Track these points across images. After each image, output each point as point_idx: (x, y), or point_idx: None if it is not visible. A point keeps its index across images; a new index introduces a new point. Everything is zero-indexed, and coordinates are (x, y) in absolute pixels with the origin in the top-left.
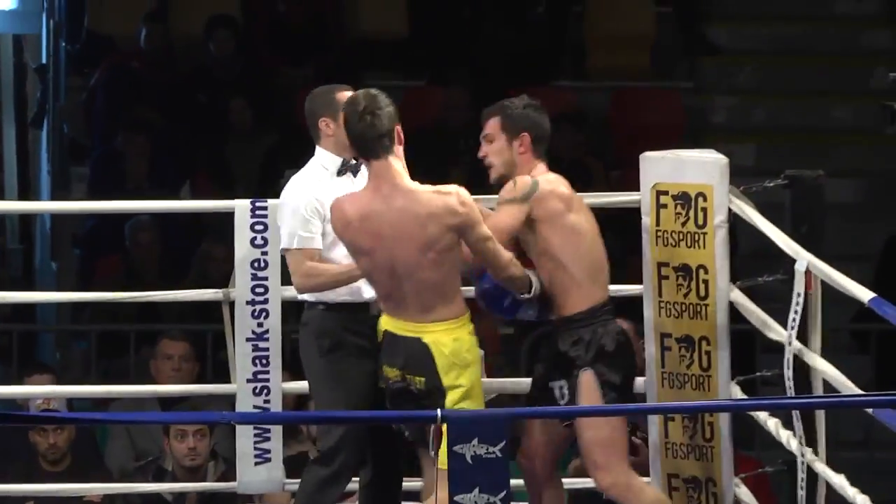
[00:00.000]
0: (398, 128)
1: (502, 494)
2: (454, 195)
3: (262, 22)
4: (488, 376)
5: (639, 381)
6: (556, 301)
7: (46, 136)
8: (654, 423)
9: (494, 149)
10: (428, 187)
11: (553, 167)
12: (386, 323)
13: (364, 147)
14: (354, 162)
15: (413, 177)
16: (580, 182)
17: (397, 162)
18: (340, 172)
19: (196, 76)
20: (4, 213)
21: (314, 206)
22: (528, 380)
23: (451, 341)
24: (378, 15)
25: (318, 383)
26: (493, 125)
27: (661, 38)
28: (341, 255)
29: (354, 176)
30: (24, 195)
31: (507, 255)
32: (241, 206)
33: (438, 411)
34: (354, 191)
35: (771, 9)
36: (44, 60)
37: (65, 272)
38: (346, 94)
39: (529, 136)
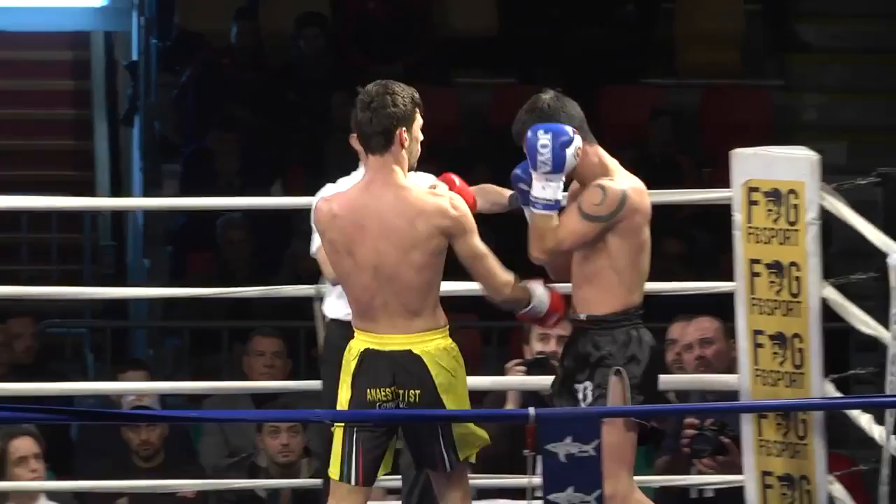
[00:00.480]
0: (408, 132)
1: (597, 493)
2: (447, 198)
3: (351, 19)
4: None
5: (731, 378)
6: (591, 298)
7: (138, 134)
8: (748, 420)
9: None
10: (423, 189)
11: (644, 164)
12: (364, 342)
13: (362, 140)
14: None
15: (502, 175)
16: (671, 179)
17: (397, 162)
18: None
19: (285, 74)
20: (97, 210)
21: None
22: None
23: (441, 351)
24: (467, 12)
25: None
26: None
27: (750, 35)
28: None
29: None
30: (116, 192)
31: (503, 276)
32: None
33: (531, 410)
34: None
35: (860, 6)
36: (135, 57)
37: (157, 269)
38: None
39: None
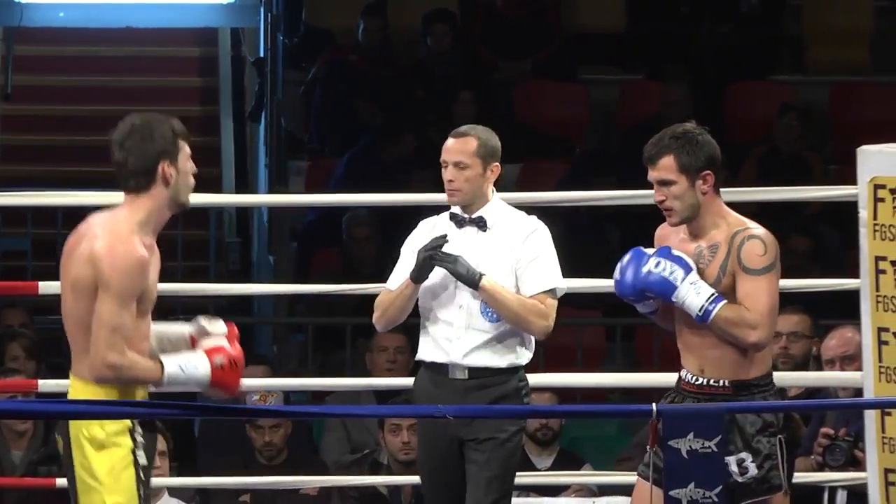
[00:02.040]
0: (162, 168)
1: (718, 489)
2: (103, 242)
3: (480, 16)
4: None
5: (856, 375)
6: (733, 359)
7: (264, 130)
8: (871, 417)
9: (676, 191)
10: (121, 228)
11: (772, 161)
12: None
13: (118, 176)
14: (475, 216)
15: (630, 175)
16: (799, 176)
17: (143, 204)
18: (458, 224)
19: (414, 71)
20: (223, 206)
21: (410, 250)
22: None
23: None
24: (596, 9)
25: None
26: (667, 165)
27: (879, 31)
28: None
29: (481, 230)
30: (241, 188)
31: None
32: None
33: (654, 405)
34: (470, 246)
35: None
36: (262, 54)
37: (282, 265)
38: (447, 143)
39: (711, 175)
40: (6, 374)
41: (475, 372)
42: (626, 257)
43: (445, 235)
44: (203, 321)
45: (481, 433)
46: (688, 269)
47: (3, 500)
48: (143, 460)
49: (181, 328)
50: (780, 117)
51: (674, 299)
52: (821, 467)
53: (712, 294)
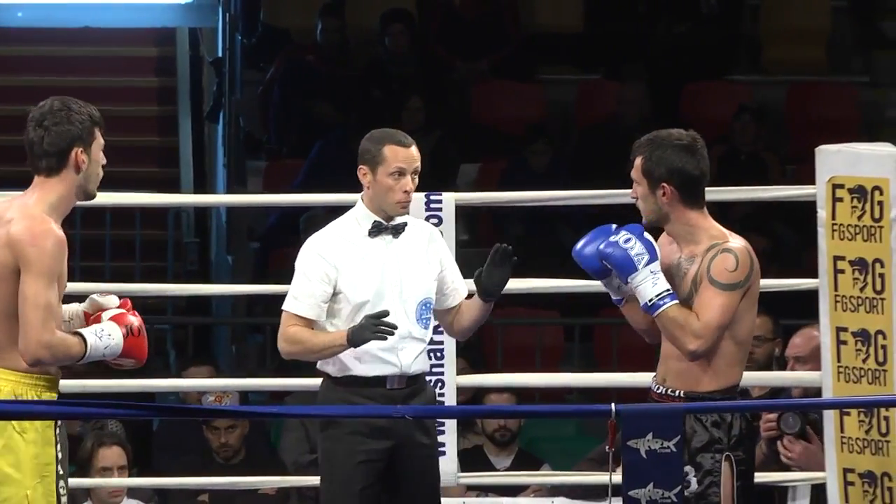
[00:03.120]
0: (75, 153)
1: (677, 489)
2: (20, 225)
3: (437, 16)
4: None
5: (814, 375)
6: (697, 372)
7: (222, 130)
8: (830, 417)
9: (640, 193)
10: (34, 210)
11: (730, 161)
12: None
13: (31, 160)
14: (394, 223)
15: (589, 171)
16: (756, 176)
17: (54, 188)
18: (373, 233)
19: (371, 71)
20: (181, 205)
21: (324, 271)
22: None
23: (8, 394)
24: (553, 9)
25: (320, 456)
26: (637, 166)
27: (836, 31)
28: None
29: (395, 237)
30: (200, 188)
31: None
32: (415, 199)
33: (613, 406)
34: (389, 255)
35: None
36: (220, 54)
37: (240, 265)
38: (397, 150)
39: (670, 186)
40: None
41: (412, 380)
42: (594, 231)
43: (387, 312)
44: (96, 297)
45: (419, 439)
46: (654, 257)
47: None
48: (60, 453)
49: (75, 306)
50: (735, 118)
51: (629, 280)
52: (774, 455)
53: (667, 290)
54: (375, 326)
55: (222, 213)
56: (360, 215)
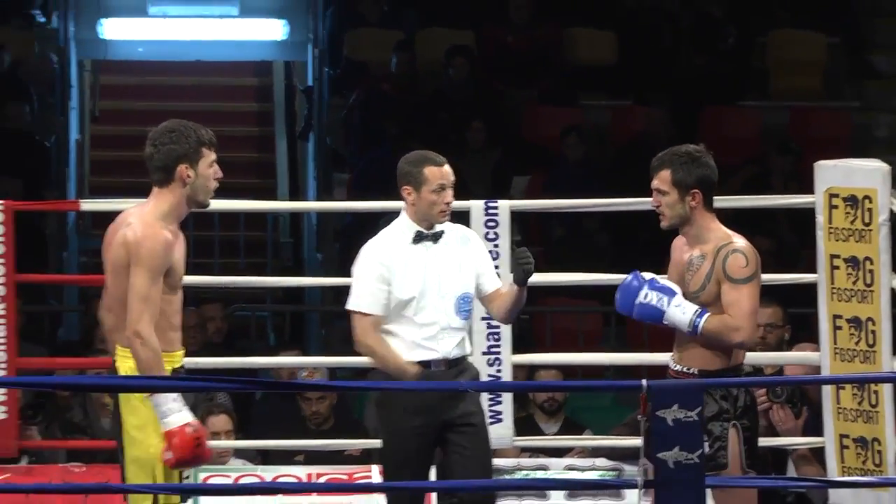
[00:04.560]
0: (181, 169)
1: (699, 452)
2: (133, 228)
3: (493, 51)
4: None
5: (815, 355)
6: (702, 356)
7: (312, 148)
8: (828, 391)
9: (668, 201)
10: (147, 216)
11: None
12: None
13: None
14: (433, 231)
15: (619, 186)
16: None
17: (164, 198)
18: (416, 240)
19: (437, 97)
20: (277, 211)
21: (380, 273)
22: None
23: (128, 369)
24: (591, 45)
25: (380, 431)
26: (664, 177)
27: (831, 64)
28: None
29: (434, 243)
30: (294, 197)
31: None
32: (476, 206)
33: (644, 381)
34: (430, 258)
35: None
36: (310, 83)
37: (328, 261)
38: (435, 170)
39: (699, 193)
40: (95, 354)
41: (454, 363)
42: (624, 282)
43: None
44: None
45: (465, 415)
46: (671, 294)
47: (95, 459)
48: None
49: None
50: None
51: (665, 322)
52: (769, 424)
53: (696, 310)
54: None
55: (313, 217)
56: (404, 226)
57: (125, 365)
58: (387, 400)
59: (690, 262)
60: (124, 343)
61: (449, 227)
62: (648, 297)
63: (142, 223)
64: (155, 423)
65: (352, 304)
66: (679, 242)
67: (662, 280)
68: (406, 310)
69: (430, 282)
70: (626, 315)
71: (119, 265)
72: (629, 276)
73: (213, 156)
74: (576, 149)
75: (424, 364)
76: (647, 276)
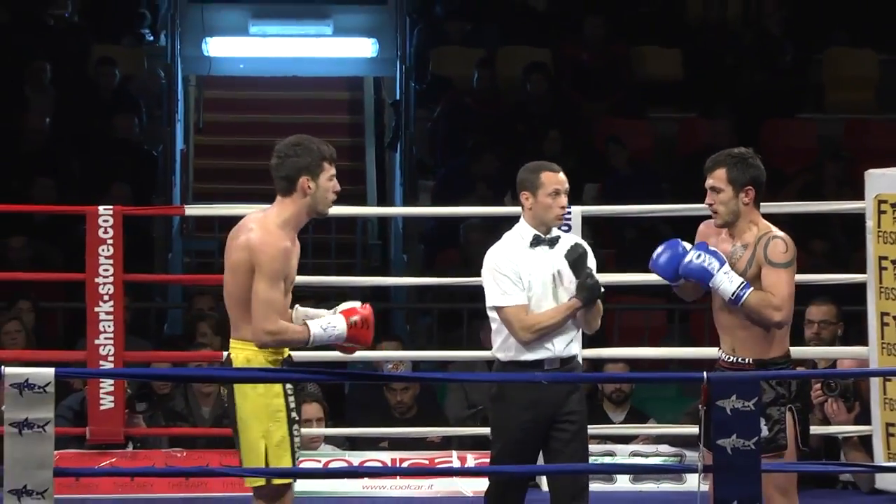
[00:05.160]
0: (302, 181)
1: (755, 439)
2: (256, 234)
3: (568, 67)
4: None
5: (863, 349)
6: (759, 342)
7: (399, 157)
8: (875, 383)
9: (722, 199)
10: (270, 223)
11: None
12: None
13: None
14: (550, 236)
15: (683, 192)
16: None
17: (286, 206)
18: (533, 244)
19: (516, 110)
20: (367, 216)
21: (513, 269)
22: None
23: (243, 360)
24: (659, 62)
25: (491, 426)
26: (719, 176)
27: (883, 79)
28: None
29: (550, 248)
30: (381, 203)
31: (266, 324)
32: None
33: (705, 373)
34: (546, 261)
35: None
36: (398, 97)
37: (413, 263)
38: (551, 175)
39: (753, 190)
40: (197, 348)
41: (565, 361)
42: (663, 246)
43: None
44: (341, 306)
45: (571, 410)
46: (722, 261)
47: (195, 445)
48: (291, 404)
49: (324, 312)
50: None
51: (711, 284)
52: (824, 416)
53: (742, 282)
54: (589, 281)
55: (399, 221)
56: (523, 231)
57: (239, 356)
58: (503, 394)
59: (734, 251)
60: (243, 336)
61: (564, 236)
62: (701, 257)
63: (264, 230)
64: (265, 409)
65: (496, 301)
66: (709, 230)
67: (713, 248)
68: (532, 307)
69: (546, 284)
70: (662, 276)
71: (239, 266)
72: (672, 242)
73: (332, 170)
74: (619, 156)
75: (538, 363)
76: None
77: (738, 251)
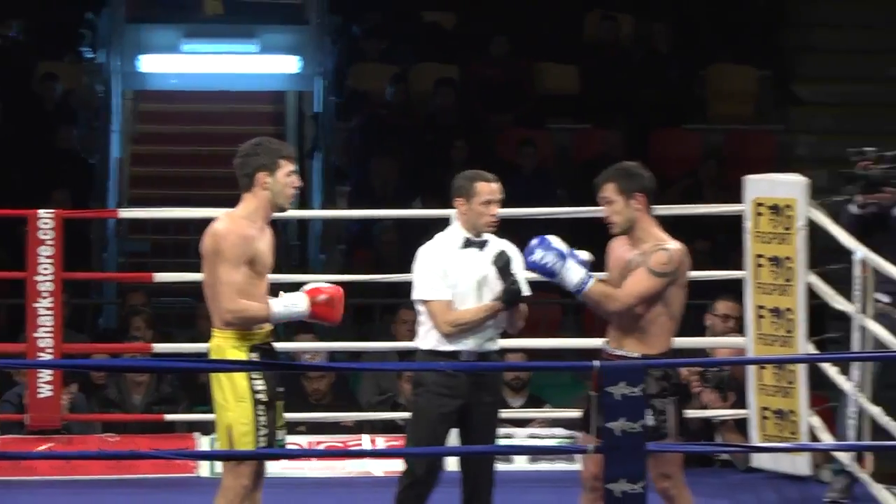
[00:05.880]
0: (260, 176)
1: (641, 423)
2: (220, 223)
3: (475, 82)
4: None
5: (741, 340)
6: (646, 340)
7: (319, 165)
8: (752, 370)
9: (615, 208)
10: (235, 215)
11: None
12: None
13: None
14: (479, 240)
15: (579, 197)
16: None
17: (248, 202)
18: (463, 246)
19: (426, 122)
20: (287, 219)
21: (442, 267)
22: None
23: (214, 346)
24: (558, 77)
25: (411, 407)
26: (609, 189)
27: (761, 93)
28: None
29: (480, 251)
30: (302, 206)
31: (229, 304)
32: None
33: (595, 362)
34: (474, 263)
35: (842, 72)
36: (317, 110)
37: (331, 262)
38: (485, 185)
39: (643, 197)
40: (131, 340)
41: (483, 356)
42: (534, 242)
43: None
44: (307, 285)
45: (484, 398)
46: (563, 258)
47: (127, 430)
48: (257, 386)
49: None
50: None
51: (556, 280)
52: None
53: (584, 275)
54: (512, 286)
55: (317, 223)
56: (455, 233)
57: (212, 343)
58: (422, 381)
59: (632, 260)
60: (217, 324)
61: (494, 240)
62: (544, 258)
63: (228, 219)
64: (231, 392)
65: (422, 294)
66: (617, 243)
67: (557, 244)
68: (458, 303)
69: (471, 283)
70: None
71: (207, 255)
72: (537, 240)
73: (290, 167)
74: (530, 159)
75: (455, 354)
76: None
77: (635, 259)
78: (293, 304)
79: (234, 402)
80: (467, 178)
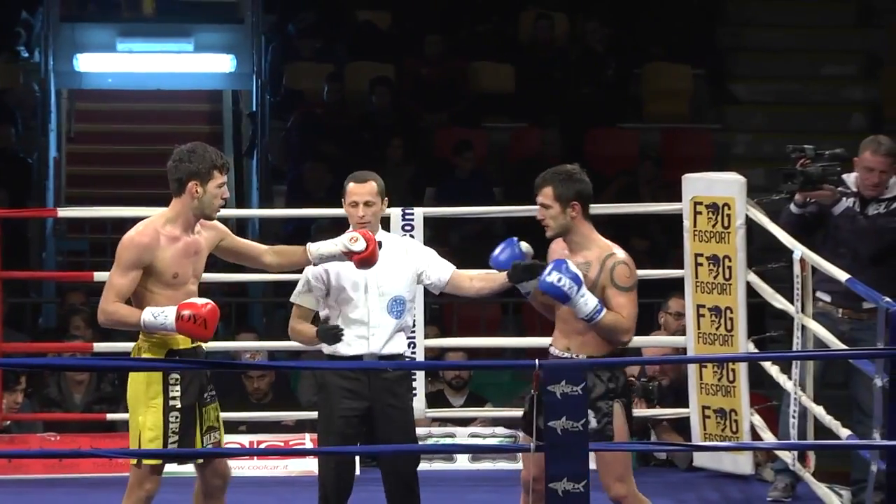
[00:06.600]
0: (191, 185)
1: (582, 421)
2: (131, 230)
3: (410, 81)
4: None
5: (681, 339)
6: (590, 346)
7: (256, 163)
8: (693, 369)
9: (551, 213)
10: (150, 222)
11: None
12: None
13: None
14: (378, 240)
15: (515, 195)
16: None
17: (175, 206)
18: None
19: (363, 120)
20: (226, 217)
21: (316, 274)
22: None
23: (134, 349)
24: (494, 76)
25: (318, 413)
26: (547, 193)
27: (696, 92)
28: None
29: (379, 249)
30: (240, 205)
31: (104, 305)
32: (395, 213)
33: (536, 361)
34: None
35: (776, 70)
36: (254, 109)
37: None
38: (352, 187)
39: (579, 205)
40: (70, 339)
41: (385, 358)
42: (502, 244)
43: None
44: (346, 240)
45: (389, 402)
46: (580, 284)
47: (69, 429)
48: (173, 392)
49: (334, 244)
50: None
51: (568, 305)
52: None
53: (597, 304)
54: (330, 334)
55: (255, 222)
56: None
57: (135, 346)
58: (325, 384)
59: (592, 280)
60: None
61: (389, 237)
62: (562, 280)
63: (138, 226)
64: (144, 395)
65: (293, 296)
66: (557, 246)
67: (573, 268)
68: (346, 307)
69: (367, 283)
70: (497, 266)
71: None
72: (510, 241)
73: (222, 178)
74: (469, 162)
75: (357, 357)
76: (525, 246)
77: (581, 267)
78: (164, 315)
79: (145, 406)
80: (348, 178)
